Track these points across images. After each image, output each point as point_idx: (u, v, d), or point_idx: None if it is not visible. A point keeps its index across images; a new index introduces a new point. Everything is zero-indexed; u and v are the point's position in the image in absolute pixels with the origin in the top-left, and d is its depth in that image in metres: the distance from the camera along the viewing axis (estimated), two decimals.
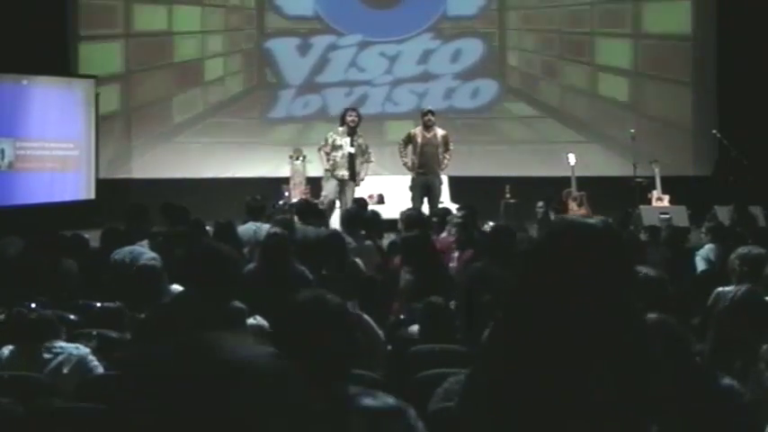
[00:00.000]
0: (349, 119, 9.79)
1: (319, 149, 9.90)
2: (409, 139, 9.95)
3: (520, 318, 1.86)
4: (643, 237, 7.49)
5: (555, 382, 1.77)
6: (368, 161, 10.06)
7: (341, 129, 9.81)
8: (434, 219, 7.78)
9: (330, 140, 9.83)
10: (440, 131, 10.07)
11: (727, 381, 2.86)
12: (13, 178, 10.66)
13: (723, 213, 9.26)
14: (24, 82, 10.84)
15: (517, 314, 1.88)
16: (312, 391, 1.69)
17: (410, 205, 9.38)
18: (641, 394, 1.83)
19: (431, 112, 10.11)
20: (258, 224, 6.85)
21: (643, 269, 3.62)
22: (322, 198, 9.75)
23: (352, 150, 9.76)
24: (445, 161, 10.04)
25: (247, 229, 6.76)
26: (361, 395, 2.21)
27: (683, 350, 2.83)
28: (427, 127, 10.01)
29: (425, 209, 9.35)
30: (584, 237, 1.87)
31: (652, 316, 2.91)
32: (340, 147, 9.79)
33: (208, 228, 6.64)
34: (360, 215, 7.55)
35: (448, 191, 10.41)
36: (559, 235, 1.91)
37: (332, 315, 2.23)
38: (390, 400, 2.21)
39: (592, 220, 2.02)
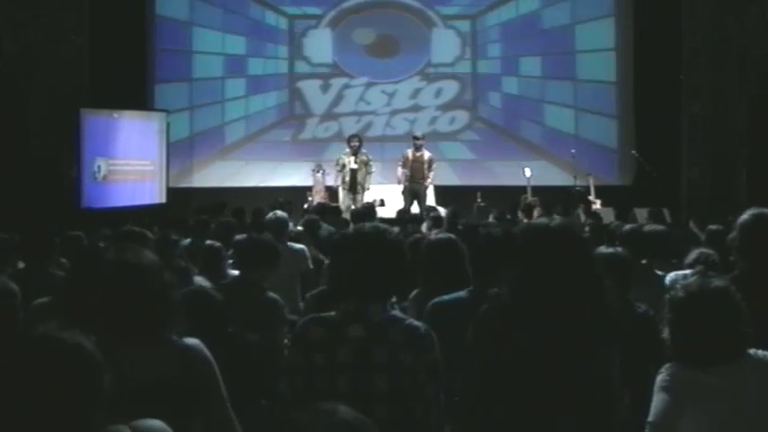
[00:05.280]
0: (352, 143, 11.40)
1: (336, 163, 11.42)
2: (406, 159, 11.37)
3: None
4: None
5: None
6: (369, 172, 11.34)
7: (347, 150, 11.40)
8: (428, 217, 8.52)
9: (340, 163, 11.36)
10: (426, 153, 11.31)
11: (641, 308, 3.00)
12: (107, 187, 11.67)
13: (640, 214, 10.08)
14: (115, 115, 11.76)
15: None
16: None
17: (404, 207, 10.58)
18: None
19: (421, 137, 11.44)
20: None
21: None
22: (340, 205, 10.86)
23: (355, 166, 11.19)
24: (429, 177, 11.27)
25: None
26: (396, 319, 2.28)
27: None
28: (417, 148, 11.27)
29: (416, 210, 10.61)
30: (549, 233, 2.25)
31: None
32: (345, 165, 11.31)
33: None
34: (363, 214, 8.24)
35: (434, 196, 11.58)
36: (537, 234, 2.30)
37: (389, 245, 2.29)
38: (420, 326, 2.27)
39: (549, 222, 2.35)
